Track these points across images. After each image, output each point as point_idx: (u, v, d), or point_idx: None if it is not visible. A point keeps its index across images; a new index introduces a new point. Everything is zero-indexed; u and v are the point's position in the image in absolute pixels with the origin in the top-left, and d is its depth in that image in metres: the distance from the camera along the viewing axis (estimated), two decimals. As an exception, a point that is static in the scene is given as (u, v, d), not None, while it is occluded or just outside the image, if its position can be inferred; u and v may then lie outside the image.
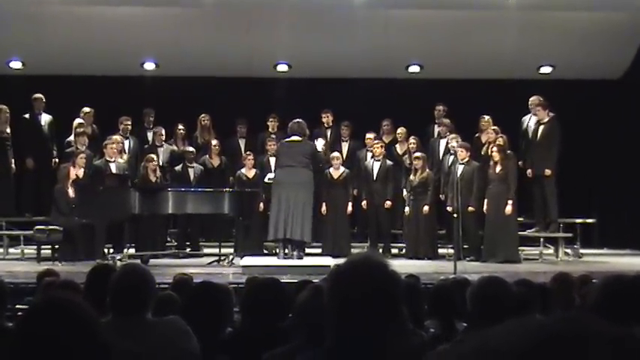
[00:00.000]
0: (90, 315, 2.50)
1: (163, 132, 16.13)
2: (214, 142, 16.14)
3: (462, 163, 14.54)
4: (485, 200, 14.44)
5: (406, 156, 15.78)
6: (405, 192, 15.42)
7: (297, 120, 13.57)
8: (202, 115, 16.54)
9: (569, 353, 1.37)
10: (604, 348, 1.40)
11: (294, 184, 13.10)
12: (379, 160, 15.43)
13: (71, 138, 15.57)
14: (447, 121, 16.01)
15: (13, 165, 16.02)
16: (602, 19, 15.79)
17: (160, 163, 15.35)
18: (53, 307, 2.48)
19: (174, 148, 16.28)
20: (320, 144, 14.53)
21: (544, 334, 1.40)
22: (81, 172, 14.63)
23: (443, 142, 15.80)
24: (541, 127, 15.22)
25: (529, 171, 15.27)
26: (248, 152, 15.77)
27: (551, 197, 15.13)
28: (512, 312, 4.47)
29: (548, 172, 15.02)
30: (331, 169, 15.28)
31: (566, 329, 1.41)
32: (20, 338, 2.45)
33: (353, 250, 14.56)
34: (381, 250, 15.11)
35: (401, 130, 16.24)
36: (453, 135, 15.26)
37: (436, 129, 16.55)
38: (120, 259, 13.17)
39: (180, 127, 16.55)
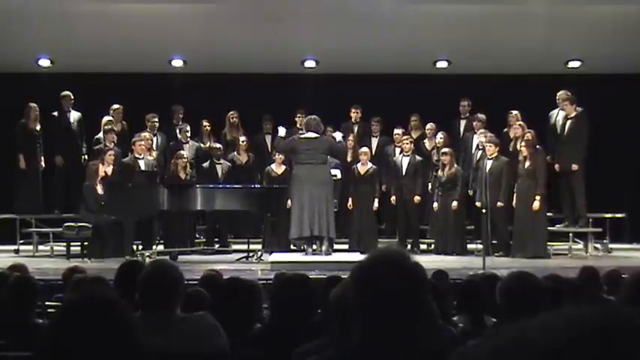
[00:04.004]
0: (127, 312, 2.51)
1: (189, 129, 16.16)
2: (242, 138, 16.17)
3: (491, 159, 14.52)
4: (514, 195, 14.42)
5: (434, 151, 15.75)
6: (430, 187, 15.41)
7: (314, 116, 13.51)
8: (231, 112, 16.59)
9: (614, 345, 1.36)
10: None
11: (315, 181, 13.06)
12: (408, 156, 15.42)
13: (100, 135, 15.64)
14: (482, 117, 15.91)
15: (42, 162, 16.11)
16: (631, 13, 15.65)
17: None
18: (91, 304, 2.49)
19: (200, 144, 16.31)
20: (338, 136, 14.46)
21: (587, 326, 1.38)
22: (110, 170, 14.69)
23: (476, 137, 15.71)
24: (569, 122, 15.19)
25: (557, 166, 15.22)
26: (277, 148, 15.79)
27: (579, 192, 15.08)
28: (541, 307, 4.45)
29: (575, 166, 14.97)
30: (358, 165, 15.28)
31: (609, 321, 1.39)
32: (56, 333, 2.45)
33: (380, 246, 14.51)
34: (409, 246, 15.11)
35: (430, 126, 16.20)
36: (482, 130, 15.23)
37: (462, 124, 16.56)
38: (149, 256, 13.25)
39: (205, 123, 16.58)
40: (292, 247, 14.93)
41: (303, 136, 13.47)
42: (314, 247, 13.20)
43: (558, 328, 1.38)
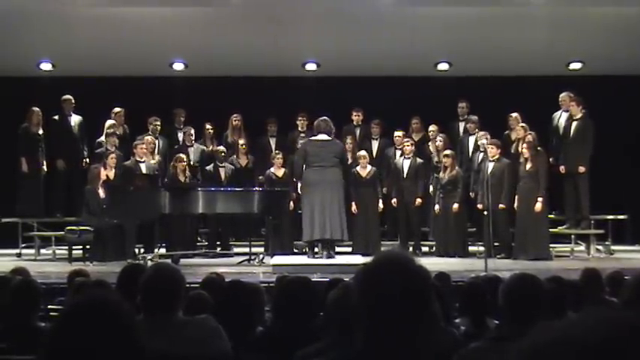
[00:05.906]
0: (129, 315, 2.51)
1: (193, 132, 16.14)
2: (241, 141, 16.17)
3: (492, 161, 14.48)
4: (516, 197, 14.40)
5: (434, 153, 15.74)
6: (431, 189, 15.40)
7: (324, 118, 13.52)
8: (234, 115, 16.54)
9: None
10: None
11: (326, 184, 13.06)
12: (409, 158, 15.40)
13: (102, 138, 15.64)
14: (474, 118, 15.93)
15: (44, 166, 16.10)
16: (632, 14, 15.66)
17: (191, 163, 15.39)
18: (94, 306, 2.48)
19: (205, 147, 16.30)
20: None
21: (626, 325, 1.44)
22: (112, 173, 14.71)
23: (472, 139, 15.71)
24: (574, 124, 15.17)
25: (562, 167, 15.21)
26: (277, 151, 15.76)
27: (585, 194, 15.07)
28: (544, 309, 4.44)
29: (582, 169, 14.97)
30: (358, 168, 15.25)
31: None
32: (59, 336, 2.44)
33: (383, 249, 14.49)
34: (411, 248, 15.10)
35: (433, 128, 16.16)
36: (483, 132, 15.19)
37: (461, 126, 16.54)
38: (150, 259, 13.23)
39: (209, 126, 16.56)
40: (295, 249, 14.94)
41: (314, 138, 13.46)
42: (316, 250, 13.19)
43: (599, 327, 1.42)
